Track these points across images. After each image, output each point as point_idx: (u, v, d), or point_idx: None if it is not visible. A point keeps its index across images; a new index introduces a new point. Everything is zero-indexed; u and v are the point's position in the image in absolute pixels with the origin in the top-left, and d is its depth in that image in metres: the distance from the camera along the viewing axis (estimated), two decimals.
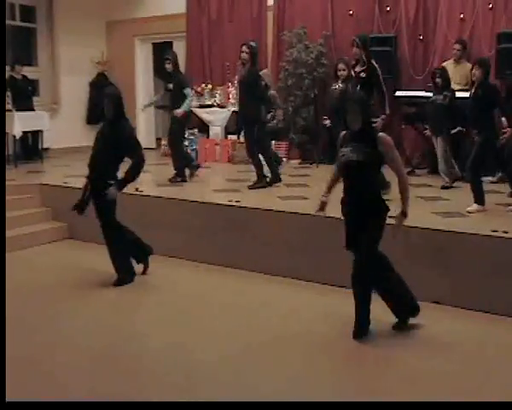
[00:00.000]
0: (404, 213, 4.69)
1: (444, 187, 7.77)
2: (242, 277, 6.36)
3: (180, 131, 8.62)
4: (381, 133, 4.78)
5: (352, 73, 7.46)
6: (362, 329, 4.75)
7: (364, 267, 4.67)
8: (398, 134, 9.67)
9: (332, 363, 4.52)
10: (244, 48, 7.89)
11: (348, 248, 4.81)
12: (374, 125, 7.45)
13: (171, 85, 8.52)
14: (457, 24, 9.24)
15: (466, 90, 8.12)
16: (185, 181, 8.46)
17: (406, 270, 5.63)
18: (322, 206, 4.96)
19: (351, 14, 10.05)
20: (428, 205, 6.73)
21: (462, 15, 9.18)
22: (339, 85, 9.17)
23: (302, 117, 10.19)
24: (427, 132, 8.27)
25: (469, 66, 8.65)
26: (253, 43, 8.02)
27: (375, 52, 9.46)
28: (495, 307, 5.28)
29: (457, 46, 8.54)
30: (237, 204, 6.83)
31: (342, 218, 4.88)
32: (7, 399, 3.31)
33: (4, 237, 6.55)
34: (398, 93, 9.35)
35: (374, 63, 7.17)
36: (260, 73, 9.07)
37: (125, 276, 6.11)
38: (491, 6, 8.93)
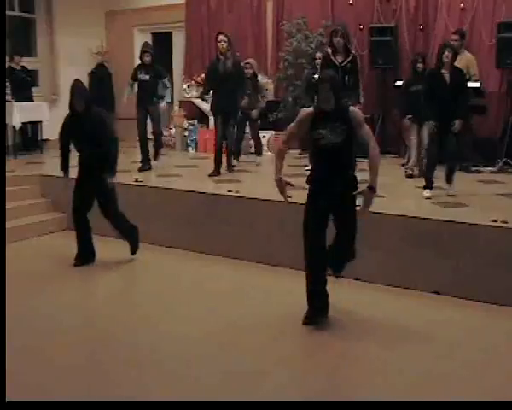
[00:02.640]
0: (372, 189, 4.48)
1: (409, 175, 7.79)
2: (241, 267, 6.36)
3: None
4: (351, 107, 4.65)
5: (336, 61, 7.38)
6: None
7: (350, 257, 4.79)
8: (396, 124, 9.67)
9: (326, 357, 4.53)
10: (222, 37, 7.89)
11: (318, 233, 4.65)
12: None
13: (147, 77, 8.56)
14: (458, 13, 9.21)
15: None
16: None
17: (406, 260, 5.66)
18: (283, 186, 4.75)
19: (351, 4, 10.02)
20: None
21: (462, 5, 9.14)
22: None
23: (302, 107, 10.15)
24: (407, 122, 8.07)
25: (469, 55, 8.67)
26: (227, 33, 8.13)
27: (375, 42, 9.52)
28: (495, 296, 5.27)
29: (455, 37, 8.51)
30: (236, 194, 6.83)
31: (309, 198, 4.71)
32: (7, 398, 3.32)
33: (4, 231, 6.54)
34: (398, 83, 9.32)
35: (354, 53, 7.24)
36: (248, 60, 9.14)
37: (137, 242, 6.50)
38: None
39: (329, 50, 7.39)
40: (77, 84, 6.13)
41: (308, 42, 9.97)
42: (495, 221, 5.44)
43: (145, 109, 8.59)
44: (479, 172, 8.15)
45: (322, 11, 10.30)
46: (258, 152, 9.43)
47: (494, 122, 8.86)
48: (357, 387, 4.05)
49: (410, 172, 7.85)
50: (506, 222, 5.40)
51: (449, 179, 6.70)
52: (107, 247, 6.54)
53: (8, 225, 6.89)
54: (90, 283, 6.07)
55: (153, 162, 8.71)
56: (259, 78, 9.62)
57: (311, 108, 4.71)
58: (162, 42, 12.49)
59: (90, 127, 6.03)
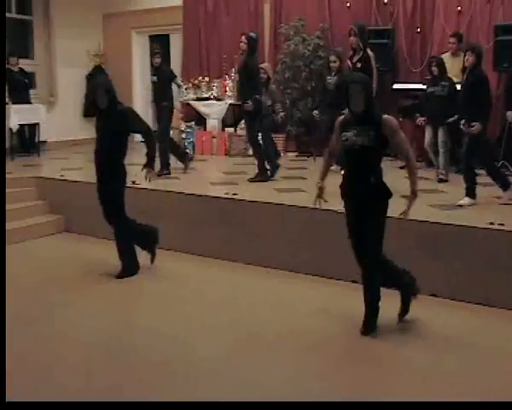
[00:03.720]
0: (414, 193, 4.54)
1: (441, 180, 7.76)
2: (240, 270, 6.36)
3: (169, 125, 8.65)
4: (385, 115, 4.56)
5: (349, 63, 7.39)
6: (371, 326, 4.69)
7: (373, 265, 4.61)
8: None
9: (329, 360, 4.52)
10: (243, 38, 7.90)
11: (351, 238, 4.69)
12: None
13: (155, 78, 8.56)
14: (455, 16, 9.23)
15: None
16: (169, 174, 8.37)
17: (403, 263, 5.65)
18: (321, 192, 4.83)
19: (348, 7, 10.04)
20: (425, 198, 6.71)
21: (459, 8, 9.17)
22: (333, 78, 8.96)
23: (299, 109, 10.18)
24: (422, 123, 8.14)
25: None
26: (252, 34, 8.00)
27: (372, 44, 9.49)
28: (492, 299, 5.29)
29: (453, 39, 8.54)
30: (234, 197, 6.83)
31: (342, 204, 4.75)
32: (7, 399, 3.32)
33: (4, 234, 6.53)
34: (396, 86, 9.34)
35: (369, 52, 7.17)
36: (262, 65, 9.03)
37: (129, 269, 6.09)
38: None
39: (351, 52, 7.41)
40: (98, 81, 6.03)
41: (305, 44, 9.98)
42: (492, 224, 5.45)
43: (156, 112, 8.61)
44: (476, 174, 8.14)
45: (320, 14, 10.31)
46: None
47: (491, 124, 8.84)
48: (355, 387, 4.06)
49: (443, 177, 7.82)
50: (503, 224, 5.42)
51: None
52: (106, 250, 6.52)
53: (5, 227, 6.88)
54: (88, 285, 6.04)
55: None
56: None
57: (342, 116, 4.72)
58: (160, 44, 12.47)
59: (113, 125, 5.76)
